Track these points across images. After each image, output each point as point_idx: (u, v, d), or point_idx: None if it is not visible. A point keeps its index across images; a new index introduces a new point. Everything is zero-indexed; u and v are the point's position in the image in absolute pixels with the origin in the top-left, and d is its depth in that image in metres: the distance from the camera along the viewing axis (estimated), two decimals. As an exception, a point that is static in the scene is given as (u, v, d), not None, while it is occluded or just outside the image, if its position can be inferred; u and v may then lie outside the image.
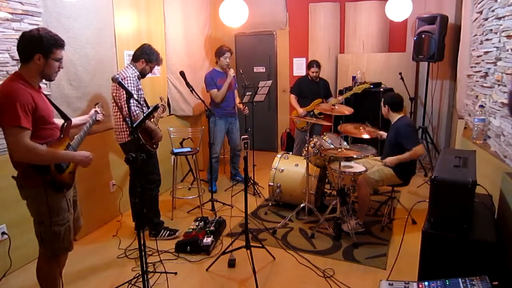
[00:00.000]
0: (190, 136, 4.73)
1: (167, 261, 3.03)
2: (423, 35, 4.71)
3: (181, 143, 4.50)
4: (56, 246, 2.16)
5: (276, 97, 6.37)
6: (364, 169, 3.43)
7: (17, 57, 2.73)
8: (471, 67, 3.47)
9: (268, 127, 6.48)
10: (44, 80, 2.16)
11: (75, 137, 2.33)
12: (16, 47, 2.04)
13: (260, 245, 3.07)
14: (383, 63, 5.32)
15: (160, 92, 4.46)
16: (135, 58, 3.26)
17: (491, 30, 2.79)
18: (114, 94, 3.17)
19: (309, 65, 4.97)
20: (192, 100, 4.89)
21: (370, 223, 3.63)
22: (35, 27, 2.84)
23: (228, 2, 4.33)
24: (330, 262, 2.99)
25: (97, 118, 2.58)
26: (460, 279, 1.60)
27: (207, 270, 2.92)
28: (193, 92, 3.79)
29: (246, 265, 2.88)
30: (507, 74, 2.43)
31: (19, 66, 2.76)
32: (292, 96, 5.08)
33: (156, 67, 3.67)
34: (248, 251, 2.81)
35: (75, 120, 2.47)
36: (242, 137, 2.80)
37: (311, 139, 3.76)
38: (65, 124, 2.25)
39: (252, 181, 4.56)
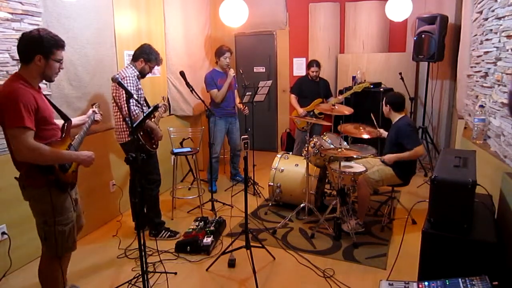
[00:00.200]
0: (190, 136, 4.74)
1: (167, 261, 3.03)
2: (423, 35, 4.71)
3: (181, 143, 4.50)
4: (61, 245, 2.17)
5: (276, 97, 6.37)
6: (364, 169, 3.43)
7: (17, 57, 2.73)
8: (471, 67, 3.47)
9: (268, 127, 6.48)
10: (44, 81, 2.16)
11: (76, 137, 2.33)
12: (16, 48, 2.03)
13: (260, 245, 3.07)
14: (383, 63, 5.32)
15: (160, 92, 4.46)
16: (135, 58, 3.27)
17: (491, 30, 2.79)
18: (114, 94, 3.17)
19: (309, 65, 4.97)
20: (192, 100, 4.89)
21: (370, 223, 3.63)
22: (35, 27, 2.86)
23: (228, 2, 4.33)
24: (330, 262, 2.99)
25: (95, 118, 2.59)
26: (460, 279, 1.60)
27: (207, 270, 2.92)
28: (193, 92, 3.79)
29: (246, 265, 2.88)
30: (507, 74, 2.43)
31: (19, 66, 2.78)
32: (292, 96, 5.08)
33: (156, 67, 3.67)
34: (248, 251, 2.81)
35: (74, 121, 2.47)
36: (242, 137, 2.80)
37: (311, 139, 3.76)
38: (66, 124, 2.26)
39: (252, 181, 4.56)
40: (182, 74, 3.84)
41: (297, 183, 3.85)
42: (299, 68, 6.06)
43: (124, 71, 3.18)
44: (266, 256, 3.05)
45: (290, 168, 3.96)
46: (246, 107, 4.58)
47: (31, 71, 2.01)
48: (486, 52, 2.93)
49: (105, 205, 3.78)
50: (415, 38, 4.83)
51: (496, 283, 1.53)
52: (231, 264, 2.95)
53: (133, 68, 3.25)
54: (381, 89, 4.91)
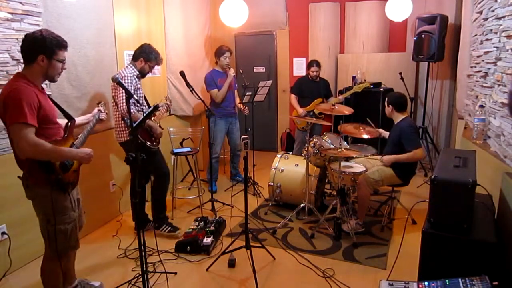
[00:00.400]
0: (190, 136, 4.73)
1: (167, 261, 3.03)
2: (423, 35, 4.71)
3: (181, 143, 4.50)
4: (63, 244, 2.20)
5: (276, 97, 6.37)
6: (364, 169, 3.43)
7: (17, 57, 2.76)
8: (471, 67, 3.47)
9: (268, 127, 6.48)
10: (47, 81, 2.18)
11: (79, 136, 2.36)
12: (19, 48, 2.07)
13: (260, 245, 3.07)
14: (383, 63, 5.32)
15: (160, 92, 4.47)
16: (135, 58, 3.29)
17: (491, 30, 2.79)
18: (113, 94, 3.18)
19: (309, 65, 4.97)
20: (192, 100, 4.89)
21: (370, 223, 3.63)
22: (35, 27, 2.87)
23: (228, 2, 4.33)
24: (330, 262, 2.99)
25: (100, 117, 2.62)
26: (460, 279, 1.60)
27: (207, 270, 2.92)
28: (193, 92, 3.79)
29: (246, 265, 2.88)
30: (507, 74, 2.43)
31: (19, 66, 2.79)
32: (293, 96, 5.08)
33: (156, 67, 3.67)
34: (248, 251, 2.81)
35: (79, 120, 2.50)
36: (242, 137, 2.80)
37: (311, 139, 3.76)
38: (69, 123, 2.29)
39: (252, 181, 4.56)
40: (182, 74, 3.84)
41: (297, 183, 3.85)
42: (299, 68, 6.06)
43: (123, 71, 3.19)
44: (266, 256, 3.05)
45: (290, 168, 3.96)
46: (246, 107, 4.58)
47: (34, 71, 2.04)
48: (486, 52, 2.93)
49: (105, 205, 3.78)
50: (415, 38, 4.83)
51: (496, 283, 1.53)
52: (231, 264, 2.95)
53: (133, 67, 3.25)
54: (381, 89, 4.91)
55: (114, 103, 3.22)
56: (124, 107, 3.03)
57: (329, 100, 5.02)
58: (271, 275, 2.85)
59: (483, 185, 2.04)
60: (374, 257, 3.04)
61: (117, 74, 3.08)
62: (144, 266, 2.29)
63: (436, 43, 4.58)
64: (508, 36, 2.43)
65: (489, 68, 2.85)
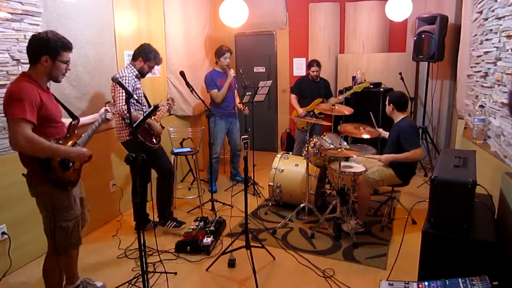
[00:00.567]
0: (190, 136, 4.73)
1: (167, 261, 3.02)
2: (423, 35, 4.71)
3: (181, 143, 4.50)
4: (64, 242, 2.24)
5: (276, 97, 6.37)
6: (364, 169, 3.43)
7: (17, 57, 2.77)
8: (471, 67, 3.47)
9: (268, 127, 6.48)
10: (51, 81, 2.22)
11: (83, 135, 2.38)
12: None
13: (260, 245, 3.07)
14: (383, 63, 5.32)
15: (160, 92, 4.46)
16: (134, 57, 3.30)
17: (491, 30, 2.79)
18: (112, 94, 3.19)
19: (310, 65, 4.97)
20: (192, 100, 4.89)
21: (370, 223, 3.63)
22: (35, 27, 2.88)
23: (228, 2, 4.33)
24: (330, 262, 2.99)
25: (107, 117, 2.65)
26: (460, 279, 1.60)
27: (207, 270, 2.92)
28: (193, 92, 3.79)
29: (246, 265, 2.88)
30: (507, 74, 2.43)
31: (19, 66, 2.80)
32: (293, 96, 5.08)
33: (156, 67, 3.67)
34: (248, 251, 2.81)
35: (85, 119, 2.54)
36: (242, 137, 2.80)
37: (311, 139, 3.76)
38: (72, 123, 2.32)
39: (252, 181, 4.56)
40: (182, 74, 3.84)
41: (297, 183, 3.85)
42: (299, 68, 6.06)
43: (122, 71, 3.20)
44: (266, 256, 3.05)
45: (290, 168, 3.96)
46: (246, 107, 4.58)
47: (38, 71, 2.10)
48: (486, 52, 2.93)
49: (105, 205, 3.78)
50: (415, 38, 4.83)
51: (496, 283, 1.53)
52: (231, 264, 2.95)
53: (132, 67, 3.26)
54: (381, 89, 4.91)
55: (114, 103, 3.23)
56: (122, 107, 3.04)
57: (329, 100, 5.02)
58: (271, 275, 2.85)
59: (483, 185, 2.04)
60: (374, 257, 3.04)
61: (117, 74, 3.08)
62: (144, 266, 2.29)
63: (436, 43, 4.58)
64: (508, 36, 2.43)
65: (489, 68, 2.85)
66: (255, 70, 6.37)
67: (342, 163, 3.50)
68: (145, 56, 3.26)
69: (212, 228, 3.34)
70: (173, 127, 4.52)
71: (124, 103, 3.02)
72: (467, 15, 3.80)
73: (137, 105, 3.21)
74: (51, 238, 2.22)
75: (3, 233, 2.80)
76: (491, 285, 1.52)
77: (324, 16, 5.63)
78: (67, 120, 2.35)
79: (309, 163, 3.71)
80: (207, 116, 4.31)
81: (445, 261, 1.84)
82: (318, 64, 4.93)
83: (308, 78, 5.02)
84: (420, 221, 3.49)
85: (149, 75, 3.48)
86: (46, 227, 2.22)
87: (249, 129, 4.48)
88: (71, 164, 2.23)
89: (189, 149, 4.24)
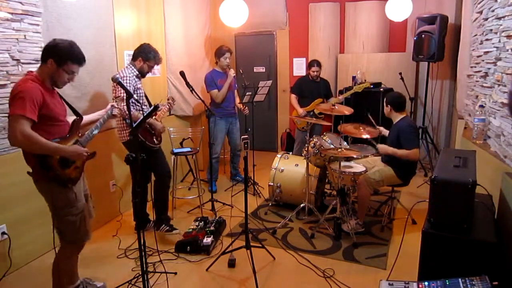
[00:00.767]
0: (190, 136, 4.73)
1: (167, 261, 3.02)
2: (423, 35, 4.71)
3: (181, 143, 4.50)
4: (73, 236, 2.31)
5: (276, 97, 6.37)
6: (364, 169, 3.43)
7: (17, 57, 2.79)
8: (471, 67, 3.47)
9: (268, 127, 6.48)
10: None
11: (86, 133, 2.40)
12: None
13: (260, 245, 3.07)
14: (383, 63, 5.32)
15: (160, 92, 4.46)
16: (134, 57, 3.30)
17: (491, 30, 2.79)
18: (114, 94, 3.19)
19: (310, 65, 4.97)
20: (192, 100, 4.89)
21: (370, 223, 3.63)
22: (35, 27, 2.90)
23: (228, 2, 4.33)
24: (330, 262, 2.99)
25: (114, 113, 2.66)
26: (460, 279, 1.60)
27: (207, 270, 2.92)
28: (193, 92, 3.79)
29: (246, 265, 2.88)
30: (507, 74, 2.43)
31: (19, 66, 2.82)
32: (293, 96, 5.08)
33: (156, 67, 3.67)
34: (248, 251, 2.81)
35: (91, 116, 2.55)
36: (242, 137, 2.80)
37: (311, 139, 3.76)
38: (75, 121, 2.34)
39: (252, 181, 4.56)
40: (182, 74, 3.84)
41: (297, 183, 3.85)
42: (299, 68, 6.06)
43: (122, 71, 3.20)
44: (266, 256, 3.05)
45: (290, 168, 3.96)
46: (246, 107, 4.58)
47: (43, 71, 2.18)
48: (486, 52, 2.93)
49: (105, 205, 3.77)
50: (415, 38, 4.83)
51: (496, 283, 1.53)
52: (231, 264, 2.95)
53: (132, 67, 3.26)
54: (381, 89, 4.91)
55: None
56: (123, 107, 3.03)
57: (329, 100, 5.02)
58: (271, 275, 2.85)
59: (483, 185, 2.04)
60: (374, 257, 3.04)
61: (117, 74, 3.08)
62: (144, 266, 2.29)
63: (436, 43, 4.58)
64: (508, 36, 2.43)
65: (489, 68, 2.85)
66: (255, 70, 6.38)
67: (342, 163, 3.50)
68: (145, 56, 3.26)
69: (212, 228, 3.34)
70: (173, 127, 4.52)
71: (124, 103, 3.02)
72: (467, 15, 3.80)
73: (137, 105, 3.21)
74: (60, 234, 2.30)
75: (3, 233, 2.80)
76: (491, 285, 1.52)
77: (324, 16, 5.63)
78: (72, 119, 2.37)
79: (309, 163, 3.71)
80: (207, 116, 4.31)
81: (445, 261, 1.84)
82: (319, 64, 4.93)
83: (308, 78, 5.02)
84: (420, 221, 3.49)
85: (149, 75, 3.48)
86: (55, 222, 2.28)
87: (249, 129, 4.48)
88: (71, 162, 2.25)
89: (189, 149, 4.24)
